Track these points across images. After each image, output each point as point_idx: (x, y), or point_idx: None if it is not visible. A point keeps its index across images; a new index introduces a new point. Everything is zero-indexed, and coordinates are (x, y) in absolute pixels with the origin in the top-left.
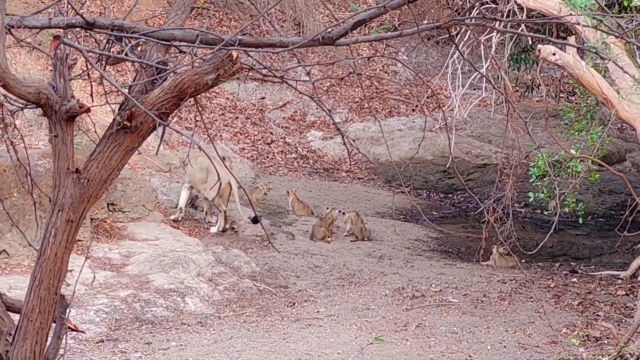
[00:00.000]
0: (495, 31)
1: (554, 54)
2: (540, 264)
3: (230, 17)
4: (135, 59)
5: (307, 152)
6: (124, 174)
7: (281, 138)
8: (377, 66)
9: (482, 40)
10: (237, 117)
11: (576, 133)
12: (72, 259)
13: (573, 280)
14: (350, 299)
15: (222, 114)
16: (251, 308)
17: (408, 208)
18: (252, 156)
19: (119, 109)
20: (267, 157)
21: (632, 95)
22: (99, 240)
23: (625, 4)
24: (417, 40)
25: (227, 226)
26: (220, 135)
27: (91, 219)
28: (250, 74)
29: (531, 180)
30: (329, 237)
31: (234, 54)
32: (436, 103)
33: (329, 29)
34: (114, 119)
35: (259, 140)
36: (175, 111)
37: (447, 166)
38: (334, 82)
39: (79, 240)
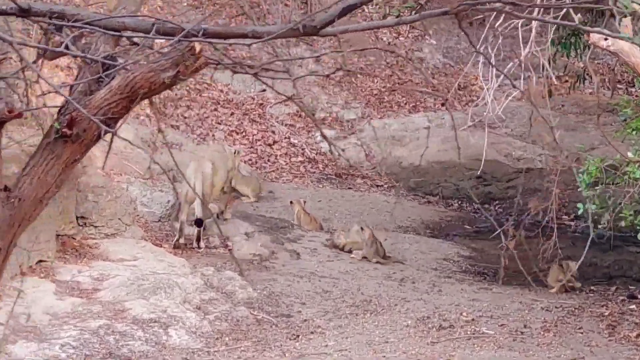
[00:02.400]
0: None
1: (605, 39)
2: (593, 287)
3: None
4: (77, 53)
5: (316, 154)
6: (96, 182)
7: (285, 138)
8: (400, 52)
9: (520, 22)
10: (232, 113)
11: (634, 132)
12: (35, 283)
13: (631, 307)
14: (365, 330)
15: (215, 109)
16: (247, 341)
17: (436, 221)
18: (250, 159)
19: (57, 114)
20: (269, 160)
21: None
22: (66, 260)
23: None
24: (447, 21)
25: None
26: (213, 135)
27: (57, 235)
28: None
29: (580, 189)
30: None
31: (197, 46)
32: (469, 96)
33: (312, 16)
34: (51, 126)
35: (259, 140)
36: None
37: (480, 171)
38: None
39: (42, 261)
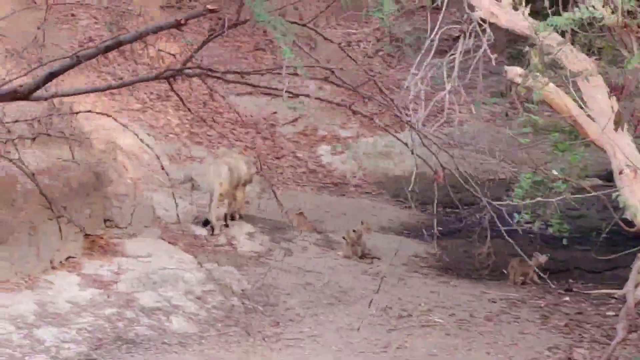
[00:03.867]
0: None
1: (520, 75)
2: (538, 281)
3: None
4: None
5: (317, 166)
6: (121, 190)
7: (291, 152)
8: (389, 81)
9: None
10: (247, 132)
11: (561, 153)
12: (63, 276)
13: (566, 299)
14: (337, 318)
15: (233, 129)
16: (236, 327)
17: (412, 223)
18: (259, 170)
19: None
20: (276, 171)
21: (600, 118)
22: (93, 256)
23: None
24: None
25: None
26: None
27: (87, 234)
28: None
29: (515, 201)
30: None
31: None
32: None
33: (21, 84)
34: None
35: (269, 154)
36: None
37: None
38: (346, 96)
39: (71, 257)
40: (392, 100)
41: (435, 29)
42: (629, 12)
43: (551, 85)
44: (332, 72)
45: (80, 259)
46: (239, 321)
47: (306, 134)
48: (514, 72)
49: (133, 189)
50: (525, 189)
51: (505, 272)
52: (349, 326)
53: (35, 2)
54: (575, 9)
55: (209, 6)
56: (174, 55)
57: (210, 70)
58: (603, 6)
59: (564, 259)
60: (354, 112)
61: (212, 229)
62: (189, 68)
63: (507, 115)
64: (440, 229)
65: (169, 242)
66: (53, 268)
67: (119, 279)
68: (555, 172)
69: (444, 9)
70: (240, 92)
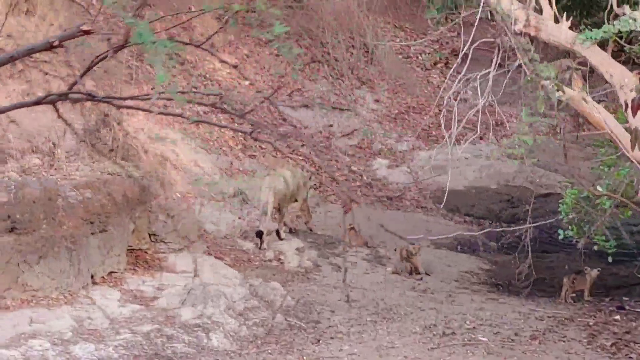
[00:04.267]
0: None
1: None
2: (589, 298)
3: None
4: None
5: (372, 180)
6: (166, 205)
7: (346, 166)
8: (447, 94)
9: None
10: (303, 145)
11: (607, 168)
12: (103, 291)
13: (616, 317)
14: (378, 336)
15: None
16: (276, 345)
17: (466, 238)
18: (314, 184)
19: None
20: (330, 185)
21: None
22: (136, 272)
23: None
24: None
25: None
26: (283, 164)
27: (132, 249)
28: None
29: (560, 217)
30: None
31: None
32: (503, 131)
33: None
34: None
35: (323, 167)
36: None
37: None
38: (403, 109)
39: (113, 272)
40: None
41: (468, 42)
42: None
43: (589, 99)
44: (220, 97)
45: (123, 274)
46: (280, 338)
47: (362, 147)
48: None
49: (180, 203)
50: (570, 205)
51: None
52: (390, 344)
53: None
54: (615, 22)
55: (83, 27)
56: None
57: (91, 95)
58: None
59: (623, 274)
60: (255, 139)
61: (261, 242)
62: (74, 92)
63: (556, 128)
64: (495, 244)
65: (216, 257)
66: (94, 283)
67: (160, 295)
68: (599, 188)
69: (476, 22)
70: (295, 105)
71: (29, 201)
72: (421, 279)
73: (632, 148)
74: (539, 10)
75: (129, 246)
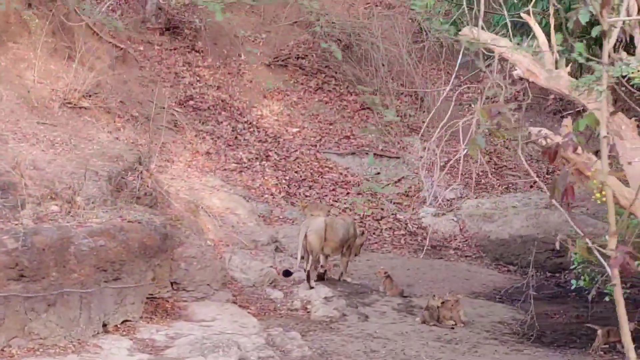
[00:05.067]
0: None
1: (545, 138)
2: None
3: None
4: None
5: (417, 228)
6: (189, 252)
7: (392, 214)
8: (499, 141)
9: None
10: (348, 193)
11: (617, 218)
12: (114, 340)
13: None
14: None
15: (333, 189)
16: None
17: (506, 287)
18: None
19: None
20: (374, 233)
21: (636, 181)
22: (151, 320)
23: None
24: (541, 116)
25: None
26: (328, 212)
27: (153, 297)
28: None
29: (572, 267)
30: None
31: None
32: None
33: None
34: None
35: (368, 216)
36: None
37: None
38: (452, 156)
39: (127, 321)
40: None
41: (450, 85)
42: None
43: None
44: None
45: (138, 322)
46: None
47: (409, 194)
48: (534, 132)
49: (207, 250)
50: (581, 255)
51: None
52: None
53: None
54: (611, 67)
55: None
56: None
57: None
58: None
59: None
60: None
61: (308, 278)
62: None
63: None
64: (535, 294)
65: (240, 306)
66: (107, 332)
67: (172, 344)
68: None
69: (457, 67)
70: (343, 152)
71: (38, 249)
72: (452, 328)
73: (551, 197)
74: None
75: (149, 294)
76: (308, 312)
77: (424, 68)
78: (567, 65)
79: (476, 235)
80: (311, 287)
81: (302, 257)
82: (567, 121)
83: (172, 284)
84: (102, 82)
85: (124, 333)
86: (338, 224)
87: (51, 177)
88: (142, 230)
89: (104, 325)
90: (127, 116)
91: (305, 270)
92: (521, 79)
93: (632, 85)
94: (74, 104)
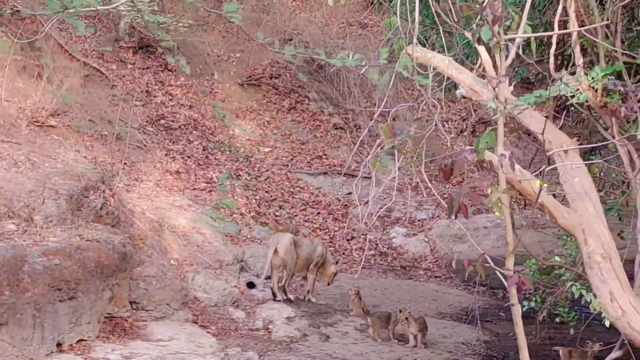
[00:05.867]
0: None
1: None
2: None
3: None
4: None
5: (387, 248)
6: (148, 272)
7: (362, 235)
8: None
9: None
10: (319, 213)
11: (567, 238)
12: None
13: None
14: None
15: (304, 209)
16: None
17: (474, 309)
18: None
19: None
20: (344, 253)
21: (576, 201)
22: (108, 339)
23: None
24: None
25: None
26: (298, 231)
27: (112, 316)
28: None
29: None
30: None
31: None
32: (524, 201)
33: None
34: None
35: (339, 236)
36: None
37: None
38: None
39: (82, 340)
40: None
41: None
42: (606, 90)
43: (517, 167)
44: None
45: (94, 341)
46: None
47: (380, 215)
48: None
49: (168, 270)
50: (534, 276)
51: None
52: None
53: (108, 78)
54: (552, 87)
55: None
56: None
57: None
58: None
59: None
60: None
61: (274, 294)
62: None
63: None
64: (503, 315)
65: (201, 326)
66: (61, 351)
67: None
68: (557, 259)
69: (390, 86)
70: (314, 172)
71: None
72: (415, 346)
73: (449, 216)
74: None
75: (108, 313)
76: (269, 332)
77: (396, 87)
78: (510, 85)
79: (446, 255)
80: (290, 300)
81: (269, 277)
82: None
83: (131, 303)
84: (72, 101)
85: (79, 352)
86: (304, 243)
87: (10, 195)
88: (99, 249)
89: (59, 344)
90: (96, 135)
91: (272, 287)
92: (464, 97)
93: (571, 105)
94: (42, 123)
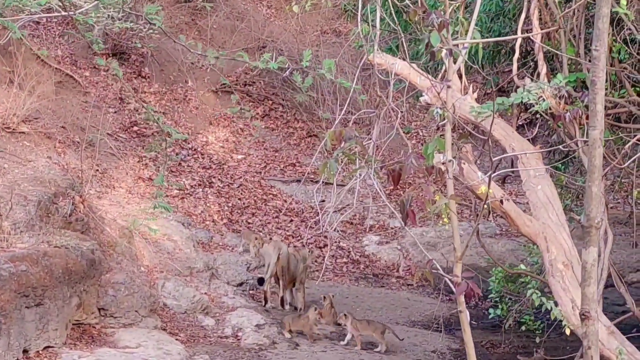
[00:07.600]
0: None
1: (443, 162)
2: None
3: None
4: None
5: (360, 256)
6: (117, 278)
7: (335, 242)
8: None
9: None
10: (292, 220)
11: (534, 246)
12: None
13: None
14: None
15: (277, 217)
16: None
17: (446, 317)
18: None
19: None
20: (316, 261)
21: (539, 209)
22: (75, 346)
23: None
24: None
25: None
26: (270, 238)
27: (80, 323)
28: None
29: (490, 295)
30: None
31: None
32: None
33: None
34: None
35: (311, 243)
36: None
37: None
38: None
39: (49, 347)
40: None
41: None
42: (569, 97)
43: (479, 174)
44: None
45: (61, 348)
46: None
47: (353, 222)
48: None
49: (137, 277)
50: (500, 284)
51: None
52: None
53: (81, 84)
54: (513, 94)
55: None
56: None
57: None
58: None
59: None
60: None
61: (265, 300)
62: None
63: None
64: (475, 323)
65: (170, 333)
66: (27, 358)
67: None
68: (523, 267)
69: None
70: (288, 180)
71: None
72: (386, 351)
73: (404, 221)
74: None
75: (76, 320)
76: (238, 339)
77: (372, 95)
78: (474, 92)
79: (420, 264)
80: (282, 307)
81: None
82: (468, 147)
83: (99, 310)
84: (44, 107)
85: (45, 359)
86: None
87: None
88: (67, 255)
89: (25, 351)
90: (68, 141)
91: (279, 295)
92: (428, 104)
93: (536, 112)
94: (13, 129)
